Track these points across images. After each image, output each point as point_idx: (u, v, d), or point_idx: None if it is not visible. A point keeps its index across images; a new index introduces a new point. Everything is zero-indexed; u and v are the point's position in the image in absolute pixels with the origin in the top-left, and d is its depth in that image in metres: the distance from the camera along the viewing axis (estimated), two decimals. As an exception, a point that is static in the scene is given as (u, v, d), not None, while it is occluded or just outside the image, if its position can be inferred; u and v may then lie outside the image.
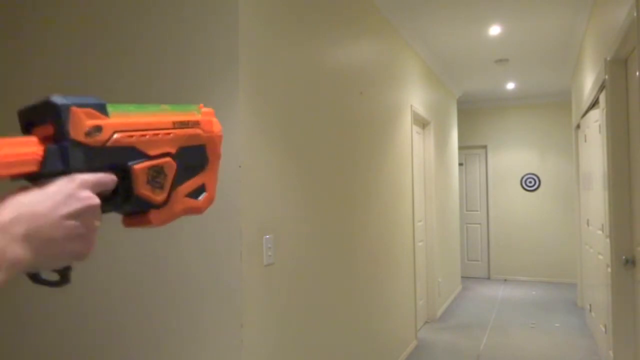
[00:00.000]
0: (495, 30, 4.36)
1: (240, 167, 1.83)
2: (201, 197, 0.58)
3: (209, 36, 1.88)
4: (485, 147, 7.61)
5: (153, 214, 0.54)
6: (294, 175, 2.23)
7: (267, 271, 1.98)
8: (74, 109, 0.47)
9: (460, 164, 7.67)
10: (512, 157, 7.43)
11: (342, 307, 2.71)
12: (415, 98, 4.56)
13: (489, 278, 7.50)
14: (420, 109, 4.75)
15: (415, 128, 4.94)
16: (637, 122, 2.58)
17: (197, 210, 0.58)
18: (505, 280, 7.36)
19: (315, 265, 2.41)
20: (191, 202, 0.57)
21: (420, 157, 5.14)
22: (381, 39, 3.58)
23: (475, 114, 7.65)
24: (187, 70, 1.91)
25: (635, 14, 2.16)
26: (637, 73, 2.27)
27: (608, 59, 2.87)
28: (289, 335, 2.14)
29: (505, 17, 4.07)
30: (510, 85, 6.52)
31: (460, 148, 7.65)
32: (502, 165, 7.48)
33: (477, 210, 7.59)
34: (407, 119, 4.26)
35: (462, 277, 7.60)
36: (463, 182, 7.66)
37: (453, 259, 6.29)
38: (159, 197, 0.53)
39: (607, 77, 2.92)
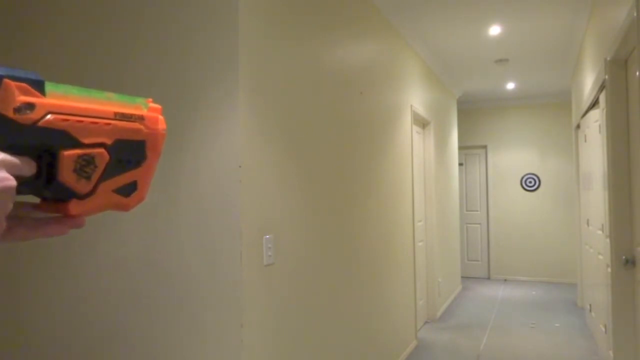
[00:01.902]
0: (495, 30, 4.36)
1: (240, 167, 1.83)
2: (131, 195, 0.55)
3: (209, 36, 1.88)
4: (485, 147, 7.61)
5: (73, 204, 0.50)
6: (294, 175, 2.23)
7: (267, 271, 1.98)
8: (6, 81, 0.44)
9: (460, 164, 7.67)
10: (512, 157, 7.43)
11: (342, 307, 2.71)
12: (415, 98, 4.56)
13: (489, 278, 7.50)
14: (420, 109, 4.75)
15: (415, 128, 4.94)
16: (637, 122, 2.58)
17: (124, 207, 0.55)
18: (505, 280, 7.36)
19: (315, 265, 2.41)
20: (118, 198, 0.54)
21: (420, 157, 5.14)
22: (381, 39, 3.58)
23: (475, 114, 7.65)
24: (187, 70, 1.91)
25: (635, 14, 2.16)
26: (637, 73, 2.27)
27: (608, 59, 2.87)
28: (289, 335, 2.14)
29: (505, 17, 4.07)
30: (510, 85, 6.52)
31: (460, 148, 7.65)
32: (502, 165, 7.49)
33: (477, 210, 7.59)
34: (407, 119, 4.26)
35: (462, 277, 7.60)
36: (463, 182, 7.66)
37: (453, 259, 6.29)
38: (84, 187, 0.50)
39: (607, 77, 2.92)
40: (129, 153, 0.54)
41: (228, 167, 1.84)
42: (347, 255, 2.80)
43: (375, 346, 3.26)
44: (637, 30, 2.13)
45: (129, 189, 0.55)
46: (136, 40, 2.01)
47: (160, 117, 0.57)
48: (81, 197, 0.51)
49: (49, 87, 0.47)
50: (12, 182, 0.43)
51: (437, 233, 5.37)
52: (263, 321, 1.95)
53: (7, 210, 0.44)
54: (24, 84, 0.45)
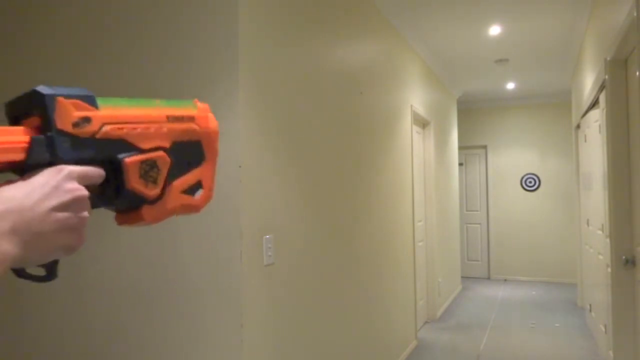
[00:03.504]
0: (495, 30, 4.36)
1: (240, 167, 1.83)
2: (198, 195, 0.56)
3: (209, 36, 1.88)
4: (485, 147, 7.61)
5: (146, 210, 0.52)
6: (294, 175, 2.23)
7: (267, 271, 1.98)
8: (60, 99, 0.46)
9: (460, 164, 7.67)
10: (512, 157, 7.43)
11: (342, 307, 2.71)
12: (415, 98, 4.56)
13: (489, 278, 7.50)
14: (420, 109, 4.75)
15: (415, 128, 4.94)
16: (637, 122, 2.58)
17: (194, 208, 0.56)
18: (505, 280, 7.36)
19: (315, 265, 2.41)
20: (187, 198, 0.55)
21: (420, 157, 5.14)
22: (381, 39, 3.58)
23: (475, 114, 7.65)
24: (188, 70, 1.91)
25: (635, 14, 2.16)
26: (637, 73, 2.27)
27: (608, 59, 2.87)
28: (289, 335, 2.14)
29: (505, 17, 4.07)
30: (510, 85, 6.52)
31: (460, 148, 7.65)
32: (502, 165, 7.49)
33: (477, 210, 7.59)
34: (407, 119, 4.26)
35: (462, 277, 7.60)
36: (463, 182, 7.66)
37: (453, 259, 6.29)
38: (152, 191, 0.52)
39: (607, 77, 2.92)
40: (188, 154, 0.55)
41: (228, 167, 1.84)
42: (347, 255, 2.80)
43: (375, 346, 3.26)
44: (637, 30, 2.13)
45: (195, 189, 0.56)
46: (136, 40, 2.01)
47: (210, 115, 0.58)
48: (152, 202, 0.52)
49: (99, 101, 0.49)
50: (85, 192, 0.46)
51: (437, 233, 5.37)
52: (263, 321, 1.95)
53: (84, 221, 0.47)
54: (76, 100, 0.47)
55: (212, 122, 0.58)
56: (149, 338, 1.95)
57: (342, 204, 2.75)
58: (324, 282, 2.50)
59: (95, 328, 2.05)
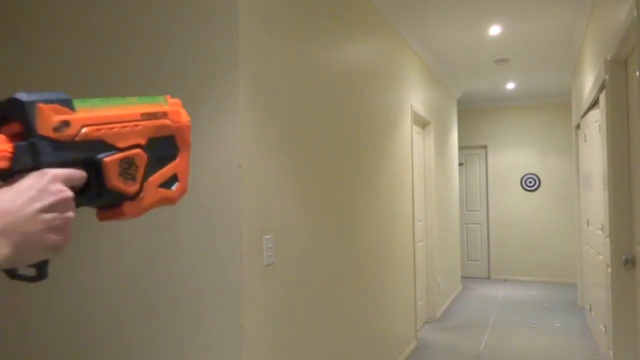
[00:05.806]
0: (495, 30, 4.36)
1: (240, 167, 1.83)
2: (174, 187, 0.59)
3: (209, 37, 1.88)
4: (485, 147, 7.61)
5: (127, 206, 0.54)
6: (294, 175, 2.23)
7: (267, 271, 1.98)
8: (40, 105, 0.47)
9: (460, 164, 7.67)
10: (512, 157, 7.43)
11: (342, 307, 2.71)
12: (415, 98, 4.56)
13: (489, 278, 7.50)
14: (420, 109, 4.75)
15: (415, 128, 4.94)
16: (637, 122, 2.58)
17: (171, 200, 0.59)
18: (505, 280, 7.36)
19: (315, 265, 2.41)
20: (164, 192, 0.58)
21: (420, 157, 5.14)
22: (381, 39, 3.58)
23: (475, 114, 7.65)
24: (188, 71, 1.91)
25: (635, 14, 2.16)
26: (637, 73, 2.27)
27: (608, 59, 2.87)
28: (289, 335, 2.14)
29: (505, 17, 4.07)
30: (510, 85, 6.52)
31: (460, 148, 7.65)
32: (502, 165, 7.49)
33: (477, 210, 7.59)
34: (407, 119, 4.26)
35: (462, 277, 7.60)
36: (463, 182, 7.66)
37: (453, 259, 6.29)
38: (132, 188, 0.54)
39: (607, 77, 2.92)
40: (163, 149, 0.58)
41: (228, 167, 1.84)
42: (347, 255, 2.80)
43: (375, 346, 3.26)
44: (637, 30, 2.13)
45: (171, 182, 0.59)
46: (136, 41, 2.01)
47: (182, 110, 0.61)
48: (132, 198, 0.54)
49: (76, 103, 0.50)
50: (69, 193, 0.49)
51: (437, 233, 5.37)
52: (263, 321, 1.95)
53: (69, 220, 0.49)
54: (55, 105, 0.49)
55: (184, 117, 0.61)
56: (148, 338, 1.95)
57: (342, 204, 2.75)
58: (324, 282, 2.50)
59: (95, 328, 2.05)
